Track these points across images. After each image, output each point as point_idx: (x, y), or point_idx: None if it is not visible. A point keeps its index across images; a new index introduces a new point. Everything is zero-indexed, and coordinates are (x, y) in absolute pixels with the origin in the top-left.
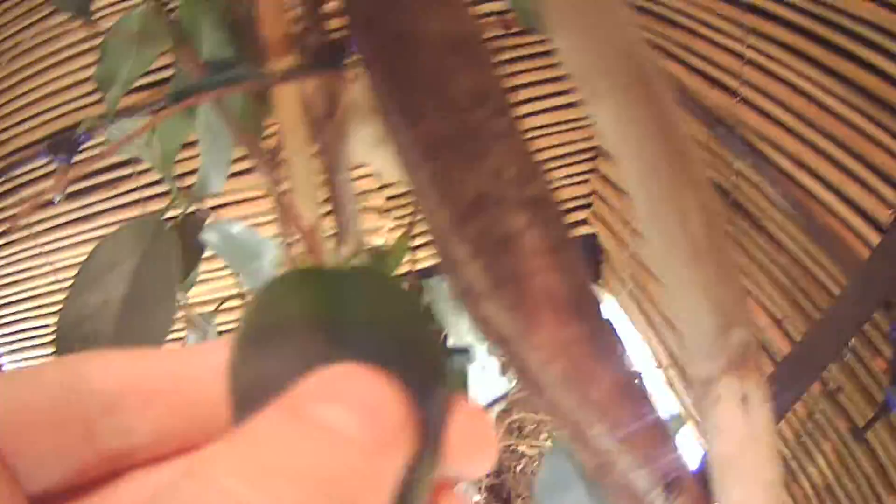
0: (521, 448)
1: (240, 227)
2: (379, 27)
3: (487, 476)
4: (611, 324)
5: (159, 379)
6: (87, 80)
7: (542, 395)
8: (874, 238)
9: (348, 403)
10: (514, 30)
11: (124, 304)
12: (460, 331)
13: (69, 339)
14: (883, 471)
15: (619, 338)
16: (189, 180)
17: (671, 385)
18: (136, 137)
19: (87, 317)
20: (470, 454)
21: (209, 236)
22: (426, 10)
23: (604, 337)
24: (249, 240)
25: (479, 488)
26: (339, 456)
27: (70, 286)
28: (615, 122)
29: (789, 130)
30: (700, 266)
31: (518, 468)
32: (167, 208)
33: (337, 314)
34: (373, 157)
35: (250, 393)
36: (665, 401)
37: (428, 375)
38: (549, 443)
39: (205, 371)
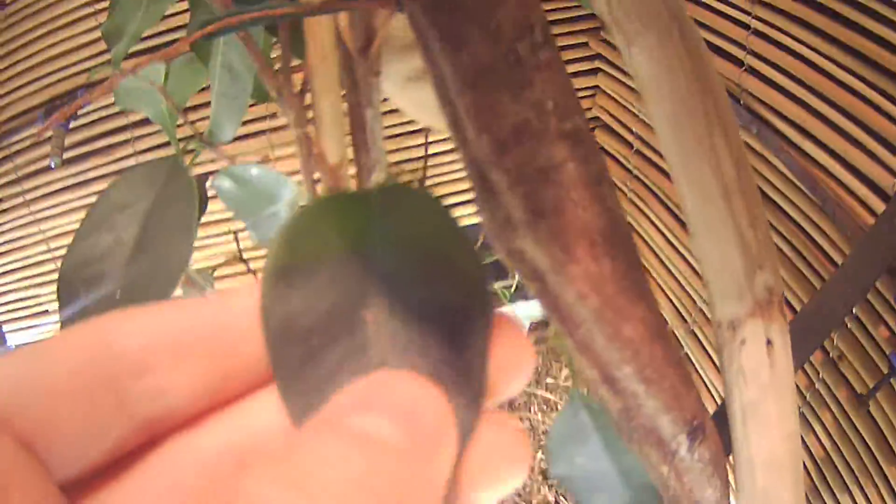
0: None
1: (258, 170)
2: None
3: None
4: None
5: (188, 332)
6: (85, 45)
7: (574, 333)
8: (879, 205)
9: (389, 412)
10: None
11: (136, 246)
12: None
13: (73, 281)
14: (885, 439)
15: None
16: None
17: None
18: (147, 83)
19: (96, 258)
20: (509, 374)
21: (221, 182)
22: None
23: (637, 275)
24: (267, 182)
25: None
26: (386, 467)
27: (78, 228)
28: (649, 64)
29: (794, 98)
30: (731, 207)
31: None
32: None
33: (368, 237)
34: (402, 97)
35: (287, 332)
36: None
37: (470, 294)
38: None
39: (236, 318)
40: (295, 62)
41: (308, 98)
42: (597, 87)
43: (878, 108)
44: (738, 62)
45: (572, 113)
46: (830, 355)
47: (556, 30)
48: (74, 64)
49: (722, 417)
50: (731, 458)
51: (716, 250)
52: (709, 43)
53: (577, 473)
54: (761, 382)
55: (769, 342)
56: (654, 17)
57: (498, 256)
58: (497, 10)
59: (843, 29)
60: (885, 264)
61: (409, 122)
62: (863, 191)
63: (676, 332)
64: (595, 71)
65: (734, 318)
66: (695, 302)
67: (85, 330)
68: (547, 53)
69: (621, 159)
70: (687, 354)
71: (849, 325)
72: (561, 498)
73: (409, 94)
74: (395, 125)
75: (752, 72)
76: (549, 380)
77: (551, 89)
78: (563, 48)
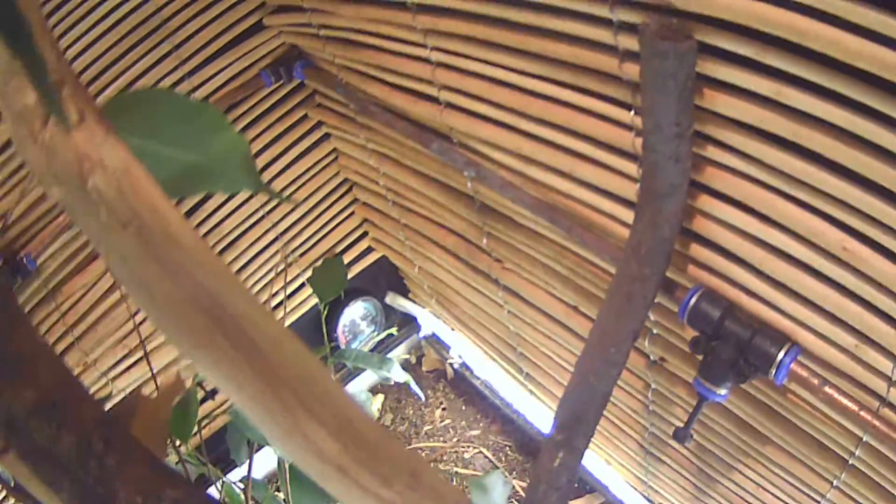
0: None
1: None
2: None
3: None
4: None
5: None
6: None
7: None
8: (628, 215)
9: None
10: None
11: None
12: None
13: None
14: (746, 425)
15: None
16: None
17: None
18: None
19: None
20: None
21: None
22: None
23: None
24: None
25: None
26: None
27: None
28: (211, 376)
29: (505, 126)
30: (351, 478)
31: None
32: None
33: None
34: None
35: None
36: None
37: None
38: None
39: None
40: None
41: None
42: (335, 149)
43: (592, 113)
44: (435, 100)
45: None
46: (652, 360)
47: (276, 112)
48: None
49: None
50: None
51: None
52: (403, 87)
53: None
54: None
55: None
56: (197, 331)
57: None
58: None
59: (523, 36)
60: (657, 270)
61: None
62: (607, 204)
63: None
64: (326, 136)
65: None
66: None
67: None
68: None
69: (382, 207)
70: None
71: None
72: None
73: None
74: None
75: (451, 106)
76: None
77: None
78: (294, 124)
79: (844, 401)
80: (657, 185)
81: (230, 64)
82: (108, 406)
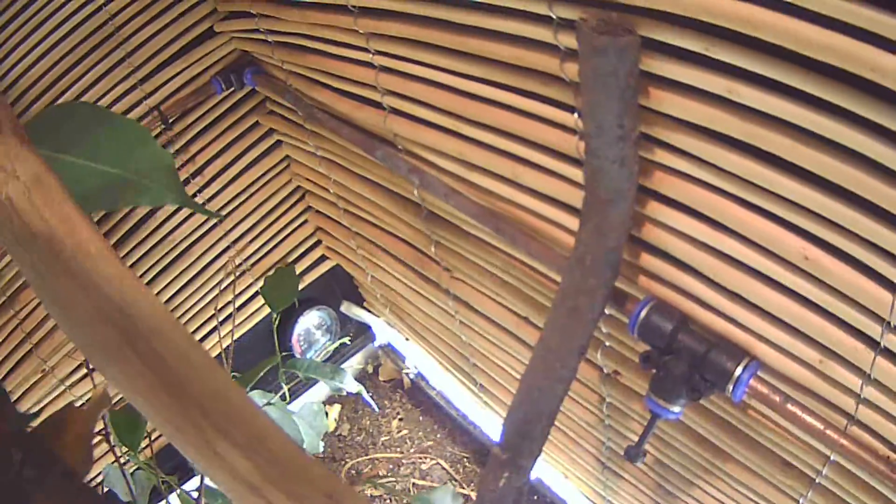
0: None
1: None
2: None
3: None
4: None
5: None
6: None
7: None
8: (573, 223)
9: None
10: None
11: None
12: None
13: None
14: (705, 441)
15: None
16: None
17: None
18: None
19: None
20: None
21: None
22: None
23: None
24: None
25: None
26: None
27: None
28: (124, 393)
29: (448, 131)
30: (264, 496)
31: None
32: None
33: None
34: None
35: None
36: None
37: None
38: None
39: None
40: None
41: None
42: (286, 157)
43: (537, 118)
44: (379, 105)
45: None
46: (605, 372)
47: (228, 119)
48: None
49: None
50: None
51: None
52: (348, 93)
53: None
54: None
55: None
56: (107, 345)
57: None
58: None
59: (463, 38)
60: (604, 281)
61: None
62: (552, 211)
63: None
64: (278, 143)
65: None
66: None
67: None
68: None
69: (334, 215)
70: None
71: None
72: None
73: None
74: None
75: (396, 112)
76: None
77: None
78: (246, 131)
79: (809, 419)
80: (602, 192)
81: (182, 71)
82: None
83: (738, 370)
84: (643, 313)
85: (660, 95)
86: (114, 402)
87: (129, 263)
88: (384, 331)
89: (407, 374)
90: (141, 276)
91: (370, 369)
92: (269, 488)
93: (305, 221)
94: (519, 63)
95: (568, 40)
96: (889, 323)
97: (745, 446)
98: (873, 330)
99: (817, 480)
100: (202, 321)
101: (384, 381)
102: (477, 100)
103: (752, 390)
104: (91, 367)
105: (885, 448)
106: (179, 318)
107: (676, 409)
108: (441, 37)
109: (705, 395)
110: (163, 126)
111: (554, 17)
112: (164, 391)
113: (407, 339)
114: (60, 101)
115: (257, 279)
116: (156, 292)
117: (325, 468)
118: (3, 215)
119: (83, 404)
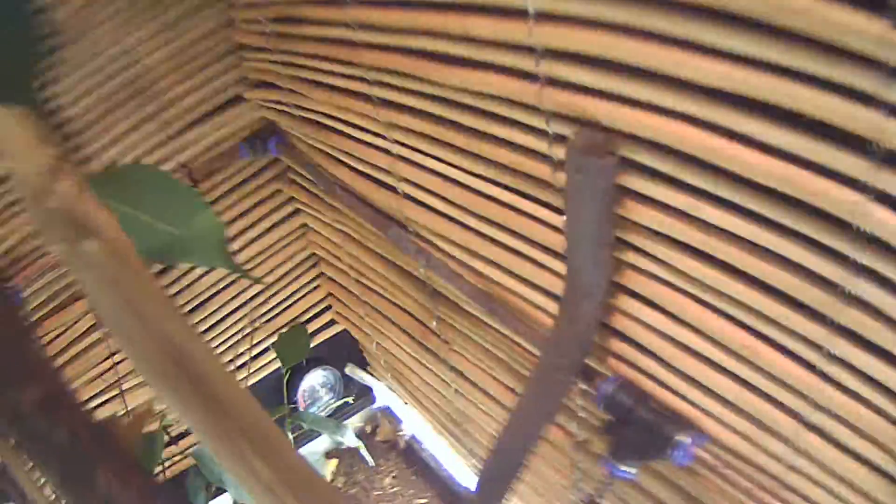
0: None
1: None
2: None
3: None
4: None
5: None
6: None
7: None
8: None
9: None
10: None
11: None
12: None
13: None
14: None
15: None
16: None
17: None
18: None
19: None
20: None
21: None
22: None
23: None
24: None
25: None
26: None
27: None
28: (177, 413)
29: (453, 220)
30: (279, 498)
31: None
32: None
33: None
34: None
35: None
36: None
37: None
38: None
39: None
40: None
41: None
42: (304, 224)
43: (530, 216)
44: (394, 189)
45: None
46: (577, 439)
47: (251, 184)
48: None
49: None
50: None
51: None
52: (366, 174)
53: None
54: None
55: None
56: (167, 375)
57: None
58: None
59: (474, 140)
60: (576, 360)
61: None
62: (539, 298)
63: None
64: (297, 211)
65: None
66: None
67: None
68: None
69: (345, 283)
70: None
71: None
72: None
73: None
74: None
75: (409, 198)
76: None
77: None
78: (268, 197)
79: (745, 483)
80: (579, 286)
81: (210, 132)
82: None
83: (682, 439)
84: (608, 390)
85: (635, 208)
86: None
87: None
88: (384, 394)
89: (402, 436)
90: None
91: (368, 429)
92: (284, 491)
93: (318, 286)
94: (518, 168)
95: (560, 153)
96: (816, 402)
97: None
98: (802, 408)
99: None
100: None
101: (380, 441)
102: (482, 196)
103: (697, 457)
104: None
105: None
106: None
107: (632, 470)
108: (452, 135)
109: (653, 459)
110: (191, 183)
111: (550, 132)
112: (212, 414)
113: (405, 404)
114: (94, 146)
115: (270, 335)
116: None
117: (329, 483)
118: (84, 264)
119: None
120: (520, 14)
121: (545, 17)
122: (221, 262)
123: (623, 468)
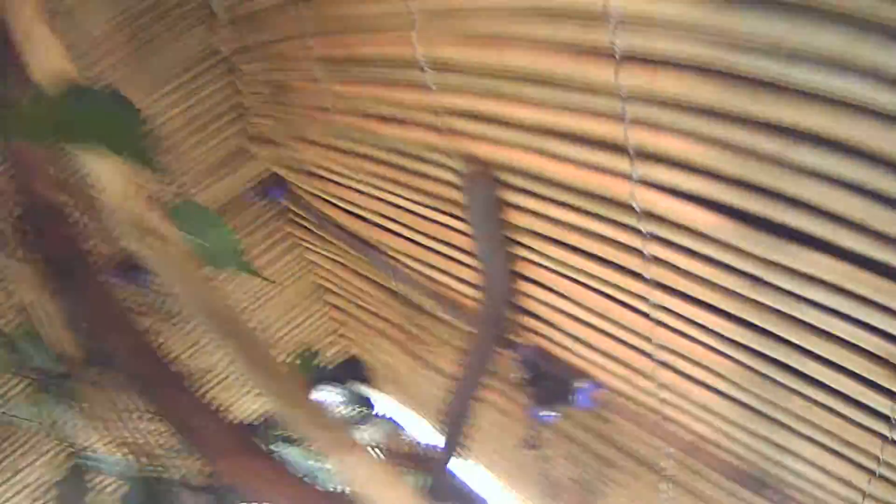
0: None
1: None
2: None
3: None
4: None
5: None
6: None
7: None
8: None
9: None
10: None
11: None
12: None
13: None
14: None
15: None
16: None
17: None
18: None
19: None
20: None
21: None
22: None
23: None
24: None
25: None
26: None
27: None
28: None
29: (412, 241)
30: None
31: None
32: None
33: None
34: None
35: None
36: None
37: None
38: None
39: None
40: None
41: None
42: (311, 261)
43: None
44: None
45: None
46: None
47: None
48: None
49: None
50: None
51: None
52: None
53: None
54: None
55: None
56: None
57: None
58: None
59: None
60: (496, 337)
61: None
62: (472, 292)
63: None
64: (306, 249)
65: None
66: None
67: None
68: None
69: (362, 314)
70: None
71: None
72: None
73: None
74: None
75: (379, 226)
76: None
77: None
78: (278, 241)
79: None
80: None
81: (218, 182)
82: None
83: (582, 385)
84: (527, 353)
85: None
86: None
87: (182, 329)
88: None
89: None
90: (192, 342)
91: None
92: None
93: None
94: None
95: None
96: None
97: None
98: (648, 347)
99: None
100: (236, 386)
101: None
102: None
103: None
104: None
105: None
106: (220, 380)
107: (552, 413)
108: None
109: (563, 404)
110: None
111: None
112: (236, 342)
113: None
114: None
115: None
116: (200, 358)
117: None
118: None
119: None
120: None
121: None
122: (237, 266)
123: (543, 413)
